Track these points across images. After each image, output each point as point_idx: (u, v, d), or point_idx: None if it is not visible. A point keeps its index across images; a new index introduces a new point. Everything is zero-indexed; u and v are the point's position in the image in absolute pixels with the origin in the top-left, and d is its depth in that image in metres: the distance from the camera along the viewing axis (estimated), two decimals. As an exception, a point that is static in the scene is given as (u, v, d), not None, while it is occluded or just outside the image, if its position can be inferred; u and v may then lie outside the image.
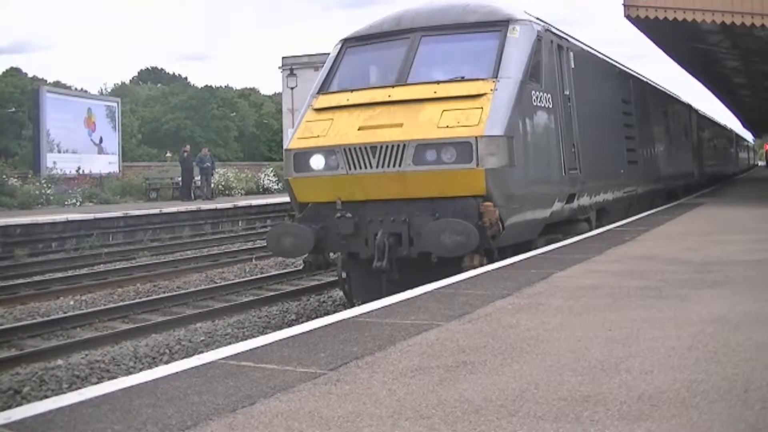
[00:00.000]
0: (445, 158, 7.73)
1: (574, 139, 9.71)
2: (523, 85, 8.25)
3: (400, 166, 7.83)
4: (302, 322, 5.70)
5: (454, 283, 5.91)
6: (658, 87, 18.22)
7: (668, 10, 12.95)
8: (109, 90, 70.04)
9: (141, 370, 6.48)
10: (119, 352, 7.83)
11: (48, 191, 23.15)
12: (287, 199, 9.56)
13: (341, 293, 9.73)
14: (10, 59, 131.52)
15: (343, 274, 8.84)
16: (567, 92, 9.72)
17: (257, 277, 12.59)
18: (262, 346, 3.92)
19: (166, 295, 10.92)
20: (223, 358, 3.64)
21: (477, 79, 8.14)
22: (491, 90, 7.96)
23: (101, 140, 30.42)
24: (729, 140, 40.40)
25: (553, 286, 5.58)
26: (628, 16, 13.50)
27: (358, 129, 8.15)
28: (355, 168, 8.06)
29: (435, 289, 5.61)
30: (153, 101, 68.45)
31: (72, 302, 10.72)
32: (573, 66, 10.07)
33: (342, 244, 8.28)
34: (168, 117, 64.48)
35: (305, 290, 11.27)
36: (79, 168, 27.11)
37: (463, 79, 8.23)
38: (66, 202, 22.74)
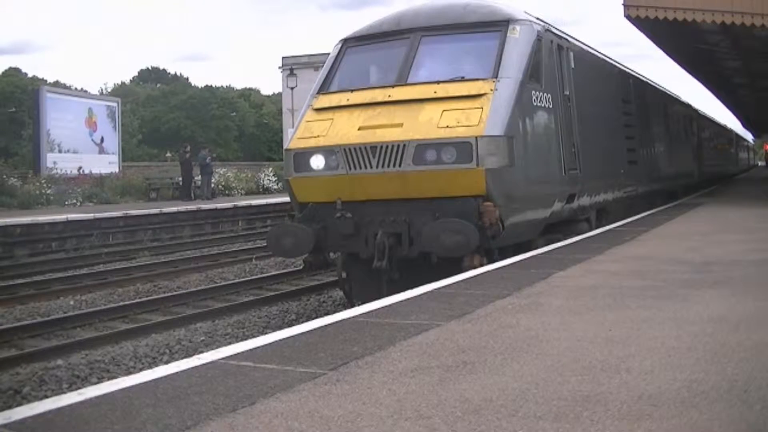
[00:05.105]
0: (445, 158, 7.73)
1: (574, 139, 9.71)
2: (523, 85, 8.25)
3: (400, 166, 7.83)
4: (302, 322, 5.70)
5: (454, 283, 5.91)
6: (658, 87, 18.22)
7: (668, 10, 12.94)
8: (109, 90, 70.08)
9: (141, 370, 6.47)
10: (119, 352, 7.83)
11: (48, 191, 23.14)
12: (287, 199, 9.56)
13: (341, 293, 9.73)
14: (10, 59, 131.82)
15: (343, 274, 8.84)
16: (567, 92, 9.72)
17: (257, 277, 12.59)
18: (262, 346, 3.92)
19: (166, 295, 10.92)
20: (223, 358, 3.64)
21: (477, 79, 8.14)
22: (491, 90, 7.96)
23: (102, 140, 30.41)
24: (729, 140, 40.39)
25: (553, 286, 5.58)
26: (628, 16, 13.50)
27: (358, 129, 8.15)
28: (355, 168, 8.06)
29: (435, 289, 5.61)
30: (153, 101, 68.41)
31: (72, 302, 10.71)
32: (573, 66, 10.07)
33: (342, 244, 8.28)
34: (168, 117, 64.46)
35: (305, 290, 11.27)
36: (80, 168, 27.10)
37: (463, 79, 8.22)
38: (66, 202, 22.71)
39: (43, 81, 54.95)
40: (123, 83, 76.87)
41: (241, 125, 68.07)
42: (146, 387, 3.16)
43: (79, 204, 22.85)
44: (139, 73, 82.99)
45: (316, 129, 8.50)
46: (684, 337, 3.78)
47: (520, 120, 8.18)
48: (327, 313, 7.40)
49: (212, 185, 27.56)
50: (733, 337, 3.75)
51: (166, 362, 6.97)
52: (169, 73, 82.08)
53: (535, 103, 8.61)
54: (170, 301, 10.41)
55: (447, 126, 7.78)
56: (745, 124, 56.36)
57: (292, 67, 41.60)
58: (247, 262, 14.65)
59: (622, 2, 13.34)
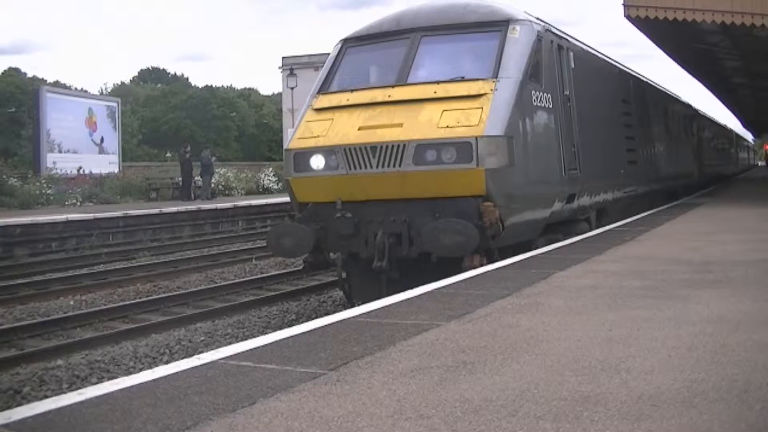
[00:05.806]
0: (445, 158, 7.73)
1: (574, 139, 9.71)
2: (523, 85, 8.25)
3: (400, 166, 7.83)
4: (302, 322, 5.70)
5: (454, 283, 5.91)
6: (658, 87, 18.22)
7: (668, 10, 12.94)
8: (109, 90, 70.09)
9: (141, 370, 6.47)
10: (119, 352, 7.83)
11: (48, 191, 23.14)
12: (287, 199, 9.56)
13: (341, 293, 9.73)
14: (10, 59, 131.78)
15: (343, 274, 8.84)
16: (567, 92, 9.72)
17: (257, 277, 12.59)
18: (262, 346, 3.92)
19: (166, 295, 10.91)
20: (223, 358, 3.64)
21: (477, 79, 8.14)
22: (491, 90, 7.96)
23: (102, 140, 30.42)
24: (729, 140, 40.39)
25: (553, 286, 5.58)
26: (628, 16, 13.50)
27: (358, 129, 8.15)
28: (355, 168, 8.06)
29: (435, 289, 5.61)
30: (153, 101, 68.38)
31: (72, 302, 10.71)
32: (573, 66, 10.06)
33: (342, 244, 8.28)
34: (168, 117, 64.43)
35: (305, 290, 11.27)
36: (80, 168, 27.11)
37: (463, 79, 8.23)
38: (66, 202, 22.73)
39: (43, 81, 54.98)
40: (123, 83, 76.95)
41: (241, 125, 68.04)
42: (146, 387, 3.16)
43: (79, 204, 22.85)
44: (139, 73, 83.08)
45: (316, 129, 8.50)
46: (684, 337, 3.78)
47: (520, 120, 8.18)
48: (327, 313, 7.40)
49: (212, 185, 27.56)
50: (733, 337, 3.75)
51: (166, 362, 6.98)
52: (169, 73, 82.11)
53: (535, 103, 8.61)
54: (170, 301, 10.41)
55: (447, 126, 7.78)
56: (745, 124, 56.38)
57: (292, 67, 41.57)
58: (247, 262, 14.65)
59: (622, 2, 13.34)
